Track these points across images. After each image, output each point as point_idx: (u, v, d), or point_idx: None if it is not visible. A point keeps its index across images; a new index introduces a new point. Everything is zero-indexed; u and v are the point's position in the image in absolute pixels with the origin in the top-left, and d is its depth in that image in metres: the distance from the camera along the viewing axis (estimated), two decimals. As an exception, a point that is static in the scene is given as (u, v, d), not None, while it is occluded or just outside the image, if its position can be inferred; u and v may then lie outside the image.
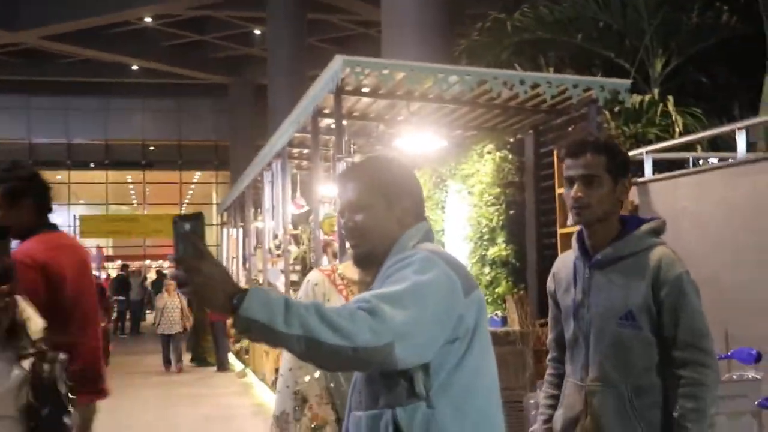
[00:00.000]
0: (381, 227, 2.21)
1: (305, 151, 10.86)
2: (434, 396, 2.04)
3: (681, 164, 7.28)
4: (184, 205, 36.91)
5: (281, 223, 10.58)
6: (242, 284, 11.32)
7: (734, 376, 5.11)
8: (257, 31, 27.07)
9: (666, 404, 2.78)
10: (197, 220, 1.91)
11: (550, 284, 3.15)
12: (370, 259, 2.23)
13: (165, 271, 27.79)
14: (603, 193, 2.83)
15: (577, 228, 2.99)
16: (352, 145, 9.83)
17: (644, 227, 2.86)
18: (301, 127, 8.64)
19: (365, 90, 7.42)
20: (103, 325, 12.62)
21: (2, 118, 32.70)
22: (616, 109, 7.98)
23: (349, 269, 3.19)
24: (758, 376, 4.98)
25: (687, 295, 2.74)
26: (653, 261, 2.78)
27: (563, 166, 2.92)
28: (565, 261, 3.09)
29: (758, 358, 4.83)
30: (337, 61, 6.59)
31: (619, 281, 2.82)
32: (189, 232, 1.88)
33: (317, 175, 8.28)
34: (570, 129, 7.98)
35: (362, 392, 2.16)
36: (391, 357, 1.89)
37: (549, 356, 3.21)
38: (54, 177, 34.79)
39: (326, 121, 8.38)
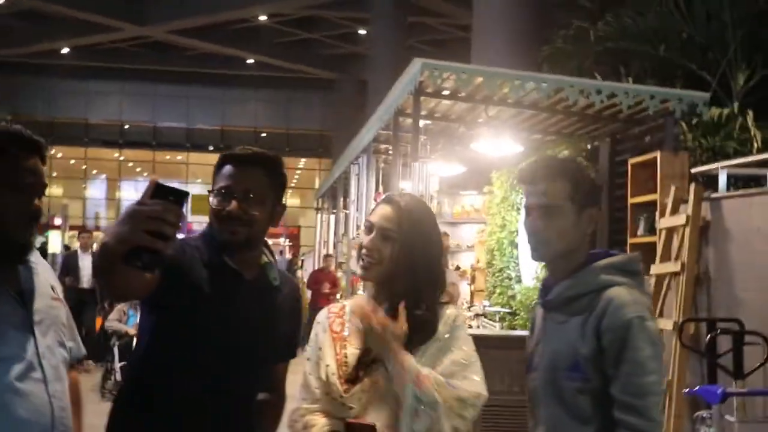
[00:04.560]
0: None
1: (391, 148, 10.54)
2: None
3: (759, 181, 6.61)
4: (290, 188, 37.11)
5: (364, 215, 10.30)
6: (331, 268, 10.93)
7: (704, 415, 4.50)
8: (362, 31, 26.87)
9: None
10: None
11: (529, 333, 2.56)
12: None
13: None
14: (564, 225, 2.23)
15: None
16: (435, 145, 9.50)
17: (601, 262, 2.23)
18: (385, 124, 8.33)
19: (445, 93, 7.04)
20: None
21: (131, 103, 33.63)
22: (694, 121, 7.37)
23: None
24: (731, 418, 4.35)
25: (630, 343, 2.09)
26: (602, 303, 2.15)
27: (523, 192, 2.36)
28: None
29: (723, 397, 4.17)
30: (416, 64, 6.24)
31: (569, 326, 2.21)
32: None
33: (396, 171, 7.94)
34: (646, 139, 7.50)
35: None
36: None
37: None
38: (175, 157, 35.59)
39: (408, 121, 8.04)
